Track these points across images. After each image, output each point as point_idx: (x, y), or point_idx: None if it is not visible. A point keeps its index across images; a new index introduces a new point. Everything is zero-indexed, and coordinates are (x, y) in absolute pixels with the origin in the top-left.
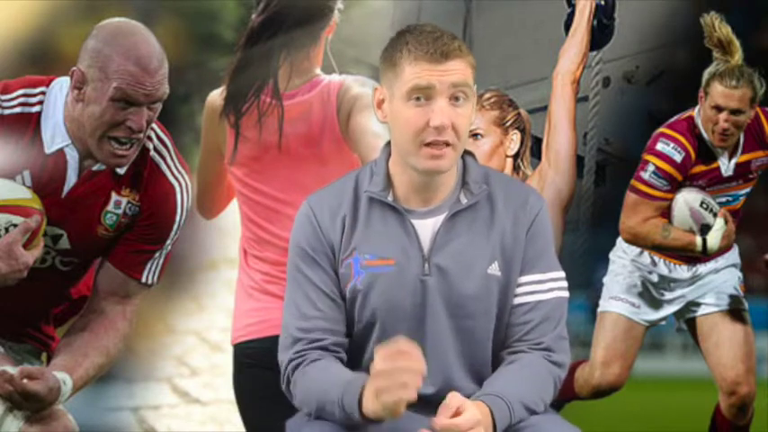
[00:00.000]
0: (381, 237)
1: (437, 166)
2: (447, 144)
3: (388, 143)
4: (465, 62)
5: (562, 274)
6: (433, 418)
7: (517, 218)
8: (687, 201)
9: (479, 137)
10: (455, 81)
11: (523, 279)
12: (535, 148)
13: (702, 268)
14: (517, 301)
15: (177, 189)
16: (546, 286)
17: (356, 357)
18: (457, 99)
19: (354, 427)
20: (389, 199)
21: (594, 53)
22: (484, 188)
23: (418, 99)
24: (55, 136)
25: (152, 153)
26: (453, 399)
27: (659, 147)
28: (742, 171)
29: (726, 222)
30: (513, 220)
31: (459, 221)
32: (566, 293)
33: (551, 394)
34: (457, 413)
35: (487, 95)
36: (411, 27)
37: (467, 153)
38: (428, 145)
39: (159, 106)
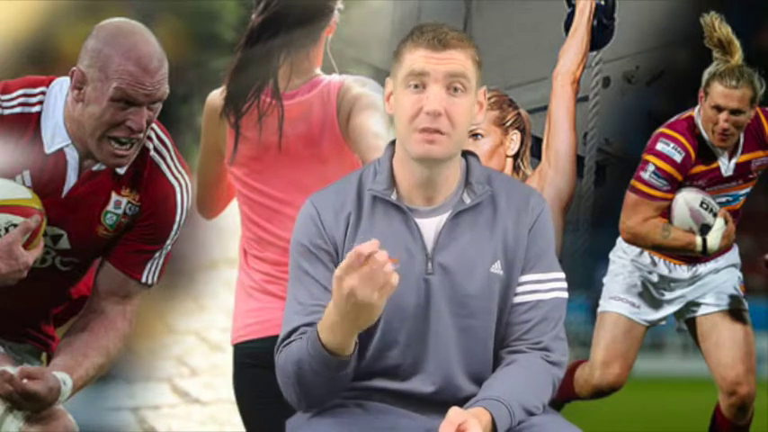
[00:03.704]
0: (385, 235)
1: (429, 151)
2: (441, 133)
3: (392, 142)
4: (465, 54)
5: (562, 275)
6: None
7: (519, 218)
8: (687, 201)
9: (479, 137)
10: (451, 70)
11: (524, 278)
12: (535, 148)
13: (702, 268)
14: (517, 300)
15: (177, 189)
16: (546, 286)
17: (358, 356)
18: (455, 90)
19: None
20: (393, 197)
21: (594, 53)
22: (487, 189)
23: (416, 87)
24: (55, 136)
25: (152, 153)
26: (456, 415)
27: (659, 147)
28: (742, 171)
29: (726, 222)
30: (516, 219)
31: (463, 221)
32: (565, 294)
33: (550, 394)
34: (460, 430)
35: (487, 95)
36: (421, 24)
37: (469, 153)
38: (422, 131)
39: (159, 106)
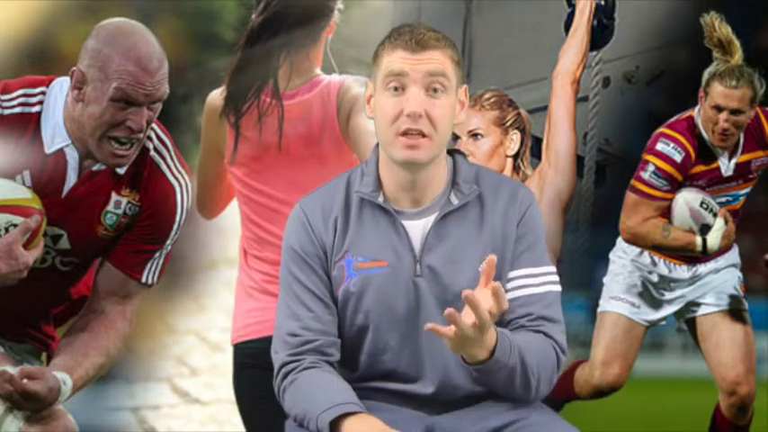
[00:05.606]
0: (373, 238)
1: (412, 157)
2: (423, 135)
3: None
4: (443, 54)
5: (553, 268)
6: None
7: (507, 213)
8: (687, 201)
9: (479, 137)
10: (430, 70)
11: (515, 273)
12: (535, 148)
13: (702, 268)
14: (510, 295)
15: (177, 189)
16: (538, 280)
17: (350, 361)
18: (435, 90)
19: None
20: (380, 200)
21: (594, 53)
22: (474, 188)
23: (396, 89)
24: (55, 136)
25: (152, 153)
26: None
27: (659, 147)
28: (742, 171)
29: (726, 222)
30: (504, 215)
31: (450, 222)
32: (558, 288)
33: (549, 366)
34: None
35: (487, 95)
36: (398, 26)
37: (456, 152)
38: (404, 135)
39: (159, 106)
